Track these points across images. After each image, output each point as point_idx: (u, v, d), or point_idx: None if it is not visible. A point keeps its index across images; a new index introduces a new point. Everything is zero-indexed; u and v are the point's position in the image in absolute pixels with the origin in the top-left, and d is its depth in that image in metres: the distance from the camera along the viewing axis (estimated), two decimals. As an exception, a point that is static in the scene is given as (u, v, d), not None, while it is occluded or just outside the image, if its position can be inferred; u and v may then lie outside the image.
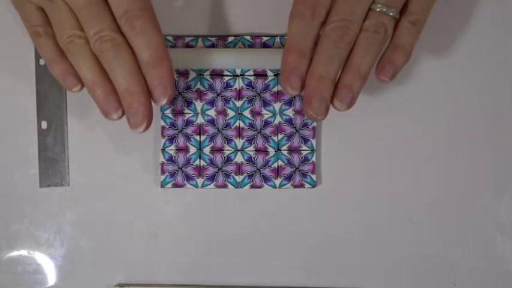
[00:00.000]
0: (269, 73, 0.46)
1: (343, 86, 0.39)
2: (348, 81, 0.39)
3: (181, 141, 0.46)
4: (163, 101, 0.39)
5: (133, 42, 0.38)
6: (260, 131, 0.46)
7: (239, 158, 0.46)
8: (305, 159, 0.46)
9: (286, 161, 0.46)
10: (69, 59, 0.39)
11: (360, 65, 0.39)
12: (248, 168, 0.46)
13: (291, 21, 0.39)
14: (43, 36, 0.39)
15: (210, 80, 0.46)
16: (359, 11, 0.39)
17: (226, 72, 0.46)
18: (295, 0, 0.39)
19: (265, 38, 0.46)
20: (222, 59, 0.44)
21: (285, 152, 0.46)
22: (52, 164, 0.46)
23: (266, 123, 0.46)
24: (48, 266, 0.46)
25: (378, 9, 0.39)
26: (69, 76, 0.39)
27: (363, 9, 0.39)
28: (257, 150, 0.46)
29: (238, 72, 0.46)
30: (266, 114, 0.46)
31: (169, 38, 0.46)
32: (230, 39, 0.46)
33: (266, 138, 0.46)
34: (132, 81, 0.38)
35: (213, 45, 0.46)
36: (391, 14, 0.39)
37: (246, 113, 0.46)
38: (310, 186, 0.46)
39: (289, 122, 0.46)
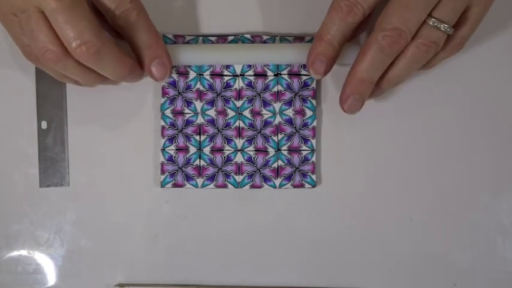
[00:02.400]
0: (269, 73, 0.46)
1: (379, 88, 0.42)
2: (382, 86, 0.42)
3: (181, 141, 0.46)
4: (165, 77, 0.43)
5: (129, 31, 0.41)
6: (260, 131, 0.46)
7: (239, 158, 0.46)
8: (305, 159, 0.46)
9: (286, 161, 0.46)
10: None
11: (398, 77, 0.41)
12: (248, 168, 0.46)
13: (328, 13, 0.41)
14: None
15: (210, 80, 0.46)
16: (414, 21, 0.39)
17: (226, 72, 0.46)
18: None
19: (265, 37, 0.46)
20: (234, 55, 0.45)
21: (285, 152, 0.46)
22: (52, 164, 0.46)
23: (266, 123, 0.46)
24: (48, 266, 0.46)
25: (431, 23, 0.39)
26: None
27: (418, 19, 0.39)
28: (257, 150, 0.46)
29: (238, 72, 0.46)
30: (266, 114, 0.46)
31: (170, 36, 0.46)
32: (230, 38, 0.46)
33: (266, 138, 0.46)
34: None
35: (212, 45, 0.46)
36: (443, 29, 0.39)
37: (246, 113, 0.46)
38: (310, 186, 0.46)
39: (289, 122, 0.46)
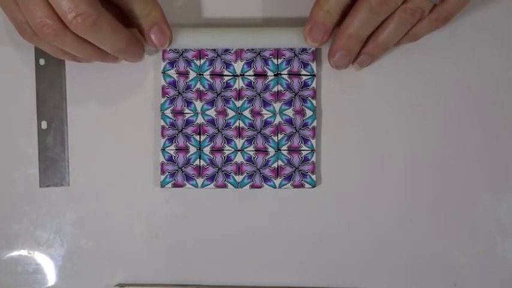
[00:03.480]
0: (269, 73, 0.46)
1: (365, 52, 0.43)
2: (372, 50, 0.43)
3: (181, 141, 0.46)
4: (166, 45, 0.43)
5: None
6: (260, 131, 0.46)
7: (239, 158, 0.46)
8: (305, 159, 0.46)
9: (286, 161, 0.46)
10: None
11: (386, 40, 0.42)
12: (248, 168, 0.46)
13: None
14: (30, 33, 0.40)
15: (210, 80, 0.46)
16: None
17: (226, 72, 0.46)
18: None
19: (265, 38, 0.46)
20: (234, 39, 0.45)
21: (285, 152, 0.46)
22: (52, 164, 0.46)
23: (266, 123, 0.46)
24: (48, 266, 0.46)
25: None
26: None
27: None
28: (257, 150, 0.46)
29: (238, 72, 0.46)
30: (266, 114, 0.46)
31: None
32: (230, 39, 0.46)
33: (266, 138, 0.46)
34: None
35: (213, 45, 0.46)
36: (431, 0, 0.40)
37: (246, 113, 0.46)
38: (310, 186, 0.45)
39: (289, 122, 0.46)
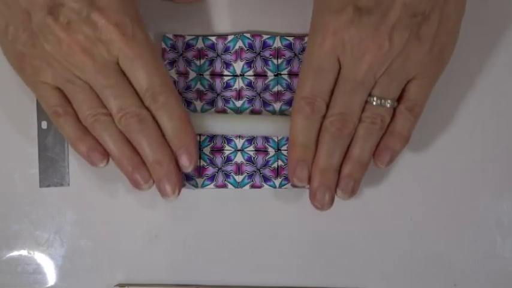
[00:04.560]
0: (269, 73, 0.46)
1: (344, 176, 0.41)
2: (350, 171, 0.41)
3: (181, 141, 0.45)
4: (190, 168, 0.41)
5: (158, 115, 0.40)
6: (260, 131, 0.46)
7: (239, 158, 0.46)
8: (305, 159, 0.45)
9: (286, 161, 0.46)
10: (93, 134, 0.40)
11: (359, 155, 0.41)
12: (248, 168, 0.46)
13: (293, 116, 0.41)
14: (63, 115, 0.40)
15: (210, 80, 0.46)
16: (356, 104, 0.40)
17: (226, 72, 0.46)
18: (295, 96, 0.41)
19: (265, 36, 0.46)
20: (230, 125, 0.44)
21: (285, 152, 0.46)
22: (52, 164, 0.46)
23: (266, 123, 0.46)
24: (48, 266, 0.46)
25: (374, 103, 0.40)
26: (94, 152, 0.41)
27: (359, 102, 0.40)
28: (257, 150, 0.46)
29: (238, 72, 0.46)
30: (266, 114, 0.46)
31: (170, 36, 0.46)
32: (230, 37, 0.46)
33: (266, 138, 0.46)
34: (159, 152, 0.40)
35: (212, 45, 0.46)
36: (387, 105, 0.40)
37: (246, 113, 0.46)
38: (310, 186, 0.45)
39: (289, 122, 0.46)
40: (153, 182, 0.41)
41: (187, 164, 0.41)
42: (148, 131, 0.40)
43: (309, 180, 0.41)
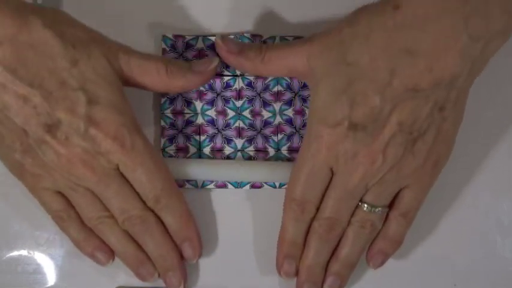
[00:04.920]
0: (269, 73, 0.46)
1: (331, 274, 0.42)
2: (337, 269, 0.42)
3: (181, 141, 0.46)
4: (194, 260, 0.43)
5: (161, 215, 0.41)
6: (260, 131, 0.46)
7: (239, 158, 0.46)
8: (305, 159, 0.45)
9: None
10: (98, 235, 0.42)
11: (347, 256, 0.42)
12: (248, 168, 0.46)
13: (284, 214, 0.42)
14: (67, 220, 0.42)
15: (210, 80, 0.46)
16: (346, 210, 0.41)
17: (226, 72, 0.46)
18: (286, 193, 0.42)
19: (265, 36, 0.46)
20: (225, 173, 0.45)
21: (285, 152, 0.46)
22: (52, 164, 0.46)
23: (266, 124, 0.46)
24: (48, 266, 0.46)
25: (364, 208, 0.41)
26: (100, 252, 0.42)
27: (349, 208, 0.41)
28: (257, 151, 0.46)
29: (238, 72, 0.46)
30: (266, 114, 0.46)
31: (170, 36, 0.46)
32: (230, 37, 0.46)
33: (266, 138, 0.46)
34: (164, 247, 0.42)
35: (212, 45, 0.46)
36: (378, 212, 0.41)
37: (246, 113, 0.46)
38: (310, 186, 0.45)
39: (289, 122, 0.46)
40: (158, 275, 0.42)
41: (191, 256, 0.42)
42: (151, 230, 0.41)
43: (297, 274, 0.43)
